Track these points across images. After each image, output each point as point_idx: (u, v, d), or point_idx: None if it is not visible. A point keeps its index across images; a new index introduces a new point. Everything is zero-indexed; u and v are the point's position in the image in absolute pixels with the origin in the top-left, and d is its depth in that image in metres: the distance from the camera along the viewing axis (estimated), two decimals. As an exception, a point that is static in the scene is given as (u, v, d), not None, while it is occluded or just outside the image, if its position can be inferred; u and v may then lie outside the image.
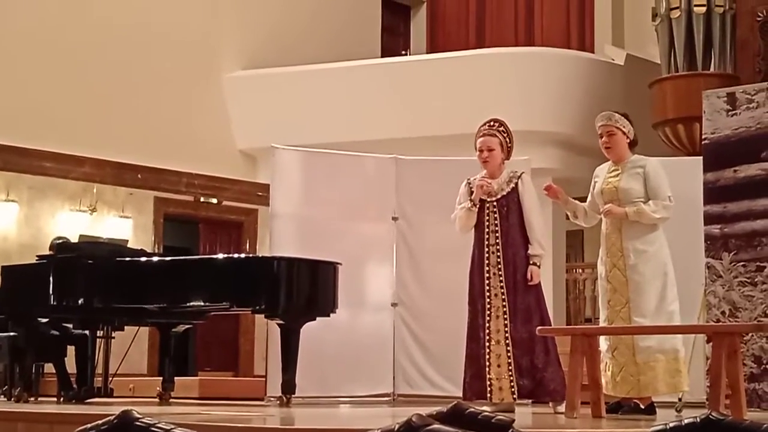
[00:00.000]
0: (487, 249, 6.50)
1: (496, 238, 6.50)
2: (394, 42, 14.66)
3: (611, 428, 5.21)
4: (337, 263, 7.45)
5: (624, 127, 6.19)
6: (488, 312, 6.43)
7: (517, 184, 6.57)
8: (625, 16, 13.33)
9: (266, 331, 8.22)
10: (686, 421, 2.27)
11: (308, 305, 7.37)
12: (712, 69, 11.05)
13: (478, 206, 6.53)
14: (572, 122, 11.24)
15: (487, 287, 6.47)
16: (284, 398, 7.24)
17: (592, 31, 13.51)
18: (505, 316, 6.40)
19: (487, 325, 6.41)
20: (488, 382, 6.36)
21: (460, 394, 7.81)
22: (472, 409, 2.40)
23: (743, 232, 6.64)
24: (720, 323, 6.47)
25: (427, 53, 13.97)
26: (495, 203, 6.54)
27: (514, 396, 6.34)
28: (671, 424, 2.28)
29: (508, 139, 6.64)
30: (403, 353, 8.50)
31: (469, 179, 6.71)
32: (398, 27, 14.88)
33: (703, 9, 10.98)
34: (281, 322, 7.32)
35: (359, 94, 11.86)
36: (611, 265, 6.10)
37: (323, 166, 8.65)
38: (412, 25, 14.96)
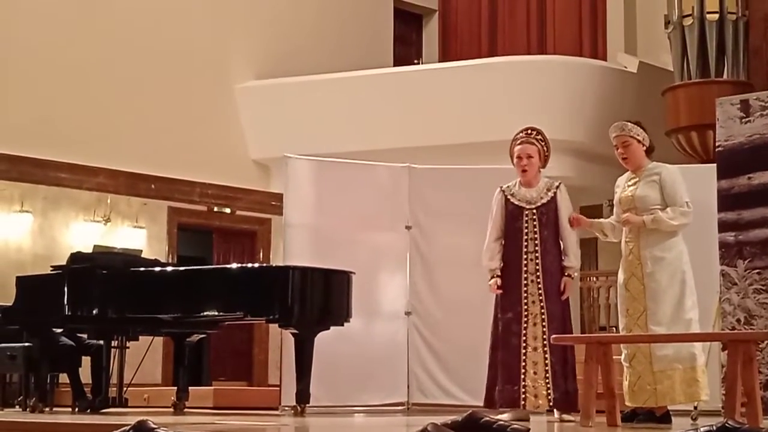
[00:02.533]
0: (525, 256, 6.48)
1: (536, 245, 6.48)
2: (406, 51, 14.67)
3: (626, 437, 5.19)
4: (351, 272, 7.45)
5: (638, 135, 6.16)
6: (525, 319, 6.42)
7: (555, 193, 6.56)
8: (637, 24, 13.31)
9: (280, 340, 8.22)
10: (702, 429, 2.26)
11: (322, 314, 7.37)
12: (725, 76, 11.03)
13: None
14: (585, 130, 11.23)
15: (525, 294, 6.45)
16: (298, 408, 7.23)
17: (604, 39, 13.49)
18: (543, 324, 6.39)
19: (524, 331, 6.39)
20: (523, 389, 6.34)
21: (475, 403, 7.79)
22: (487, 418, 2.40)
23: (758, 239, 6.60)
24: (735, 331, 6.43)
25: (440, 62, 13.97)
26: (535, 211, 6.52)
27: (551, 403, 6.32)
28: (687, 433, 2.28)
29: (545, 148, 6.64)
30: (417, 362, 8.49)
31: (502, 187, 6.66)
32: (410, 36, 14.89)
33: (716, 16, 10.96)
34: (295, 331, 7.32)
35: (372, 103, 11.88)
36: (630, 273, 6.09)
37: (336, 175, 8.66)
38: (424, 34, 14.96)
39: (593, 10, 13.62)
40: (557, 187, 6.60)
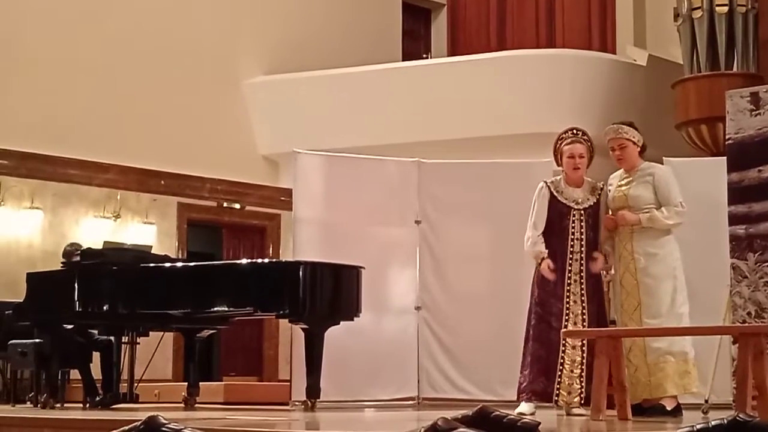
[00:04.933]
0: (570, 256, 6.47)
1: (581, 246, 6.47)
2: (414, 46, 14.65)
3: (638, 431, 5.18)
4: (361, 267, 7.45)
5: (633, 137, 6.28)
6: (566, 317, 6.42)
7: (600, 196, 6.56)
8: (646, 17, 13.27)
9: (290, 335, 8.23)
10: (713, 422, 2.26)
11: (332, 309, 7.38)
12: (735, 69, 10.99)
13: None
14: (594, 124, 11.13)
15: (567, 293, 6.44)
16: (309, 402, 7.25)
17: (613, 32, 13.45)
18: (584, 323, 6.39)
19: (564, 329, 6.39)
20: (557, 386, 6.34)
21: (485, 397, 7.81)
22: (497, 413, 2.40)
23: (768, 232, 6.59)
24: (746, 324, 6.42)
25: (448, 56, 13.95)
26: (582, 212, 6.51)
27: (583, 401, 6.32)
28: (698, 426, 2.27)
29: (592, 148, 6.62)
30: (427, 357, 8.49)
31: (546, 181, 6.63)
32: (419, 30, 14.87)
33: (725, 9, 10.92)
34: (305, 326, 7.33)
35: (381, 98, 11.86)
36: (623, 269, 6.21)
37: (345, 170, 8.66)
38: (432, 29, 14.94)
39: (602, 3, 13.58)
40: (601, 189, 6.59)
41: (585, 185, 6.59)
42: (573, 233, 6.49)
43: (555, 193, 6.56)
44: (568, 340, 6.36)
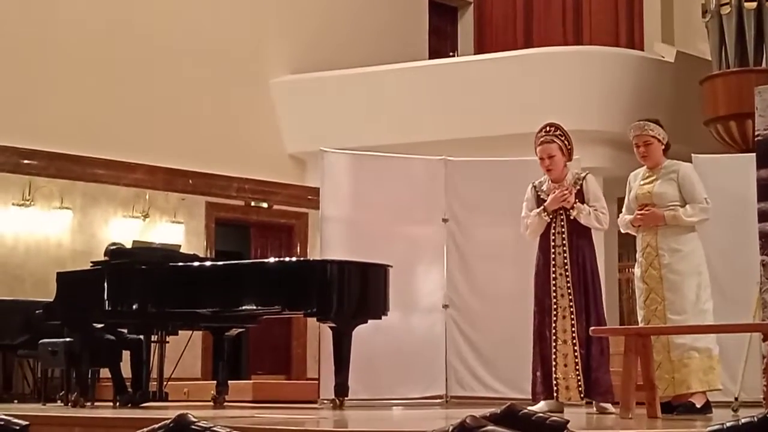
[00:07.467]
0: (553, 250, 6.50)
1: (563, 239, 6.50)
2: (441, 44, 14.64)
3: (667, 428, 5.16)
4: (388, 266, 7.45)
5: (659, 134, 6.26)
6: (554, 311, 6.44)
7: (582, 185, 6.55)
8: (674, 13, 13.21)
9: (318, 334, 8.25)
10: (743, 420, 2.25)
11: (360, 308, 7.39)
12: (763, 65, 10.93)
13: (551, 215, 6.50)
14: (622, 121, 11.11)
15: (553, 287, 6.46)
16: (337, 401, 7.26)
17: (641, 29, 13.40)
18: (572, 316, 6.40)
19: (554, 324, 6.42)
20: (555, 382, 6.36)
21: (513, 395, 7.81)
22: (525, 411, 2.40)
23: (798, 229, 6.55)
24: (776, 322, 6.38)
25: (475, 54, 13.94)
26: (561, 206, 6.52)
27: (581, 395, 6.32)
28: (728, 424, 2.27)
29: (566, 142, 6.62)
30: (455, 355, 8.49)
31: (534, 183, 6.69)
32: (445, 28, 14.86)
33: (754, 4, 10.85)
34: (333, 325, 7.34)
35: (407, 96, 11.87)
36: (647, 265, 6.18)
37: (372, 168, 8.66)
38: (459, 27, 14.93)
39: (629, -1, 13.53)
40: (584, 178, 6.59)
41: (567, 178, 6.60)
42: (554, 227, 6.53)
43: (539, 193, 6.63)
44: (558, 334, 6.39)
